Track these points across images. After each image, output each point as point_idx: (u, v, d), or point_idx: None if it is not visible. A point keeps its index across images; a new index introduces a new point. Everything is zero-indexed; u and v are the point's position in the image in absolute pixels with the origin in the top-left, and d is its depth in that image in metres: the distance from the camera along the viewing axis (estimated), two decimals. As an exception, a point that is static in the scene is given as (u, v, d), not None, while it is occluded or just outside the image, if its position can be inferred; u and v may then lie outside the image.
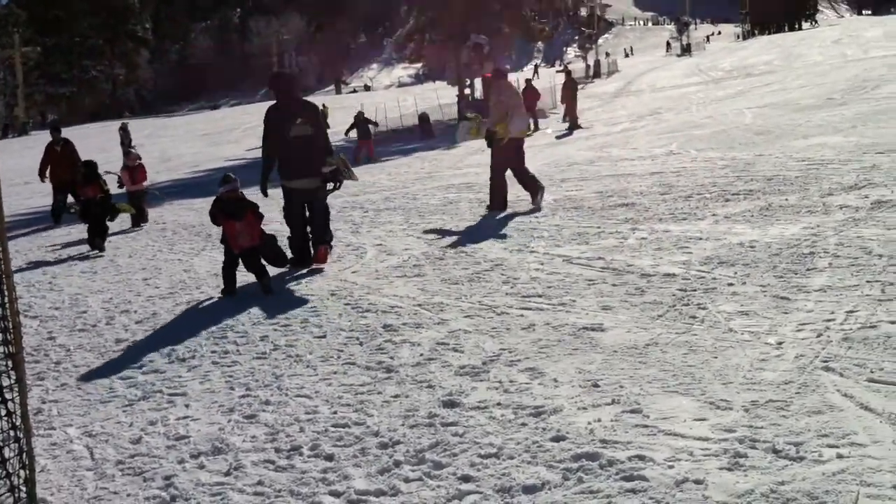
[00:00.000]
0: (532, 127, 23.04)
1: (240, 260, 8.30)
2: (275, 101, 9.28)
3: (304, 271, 8.90)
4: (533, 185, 11.70)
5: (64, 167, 15.56)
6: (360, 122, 26.43)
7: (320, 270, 8.82)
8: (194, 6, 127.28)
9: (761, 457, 3.71)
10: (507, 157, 11.74)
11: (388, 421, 4.63)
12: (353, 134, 26.24)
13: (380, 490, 3.83)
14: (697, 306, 6.14)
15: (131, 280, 9.61)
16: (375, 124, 27.99)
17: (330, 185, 9.25)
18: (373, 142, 26.43)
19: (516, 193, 11.85)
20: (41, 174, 16.16)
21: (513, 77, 21.39)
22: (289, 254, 9.23)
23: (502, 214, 11.23)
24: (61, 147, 16.11)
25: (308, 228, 9.30)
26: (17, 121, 79.47)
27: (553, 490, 3.64)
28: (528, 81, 26.11)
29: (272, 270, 8.52)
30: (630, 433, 4.10)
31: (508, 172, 11.79)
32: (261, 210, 8.45)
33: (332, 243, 9.54)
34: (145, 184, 15.13)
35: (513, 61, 68.32)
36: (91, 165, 12.98)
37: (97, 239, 12.09)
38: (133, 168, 14.77)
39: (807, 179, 10.78)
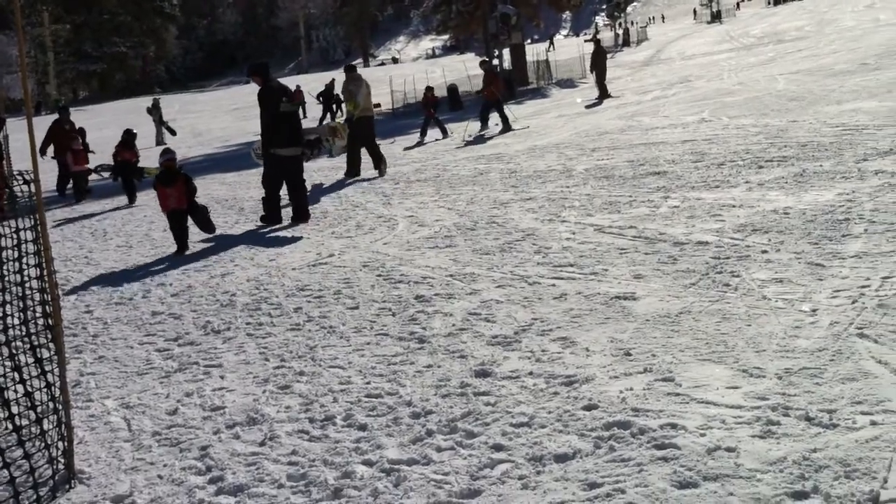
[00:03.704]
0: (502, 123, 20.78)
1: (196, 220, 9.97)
2: (261, 87, 10.84)
3: (336, 247, 8.96)
4: (377, 159, 14.66)
5: (68, 146, 16.64)
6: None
7: (304, 231, 8.88)
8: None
9: (794, 424, 3.69)
10: (360, 133, 14.75)
11: (420, 391, 4.66)
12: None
13: (412, 459, 3.86)
14: (731, 274, 6.10)
15: (166, 254, 9.70)
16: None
17: (308, 153, 11.36)
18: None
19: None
20: (43, 151, 16.64)
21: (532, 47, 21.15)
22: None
23: (536, 187, 11.20)
24: (69, 127, 17.40)
25: (284, 192, 10.89)
26: (50, 98, 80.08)
27: (584, 458, 3.65)
28: (484, 65, 23.25)
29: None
30: (662, 401, 4.10)
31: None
32: (196, 184, 10.14)
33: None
34: (87, 166, 16.91)
35: (541, 31, 67.67)
36: (130, 133, 15.91)
37: (132, 194, 15.05)
38: (76, 151, 16.33)
39: (841, 145, 10.64)
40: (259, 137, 11.19)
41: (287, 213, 10.93)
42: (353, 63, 17.74)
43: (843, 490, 3.14)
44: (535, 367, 4.78)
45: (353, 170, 14.74)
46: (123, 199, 15.23)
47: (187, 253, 9.62)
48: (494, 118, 21.45)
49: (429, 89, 23.36)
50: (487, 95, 21.42)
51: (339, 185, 13.80)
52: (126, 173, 15.22)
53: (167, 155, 10.06)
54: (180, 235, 9.72)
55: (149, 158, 17.83)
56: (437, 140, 20.23)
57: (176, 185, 9.75)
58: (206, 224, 10.26)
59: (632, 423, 3.88)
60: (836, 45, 30.82)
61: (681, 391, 4.19)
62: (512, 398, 4.38)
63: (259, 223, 10.88)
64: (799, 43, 36.30)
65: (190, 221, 9.99)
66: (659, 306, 5.60)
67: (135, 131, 16.34)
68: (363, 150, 14.81)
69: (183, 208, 9.78)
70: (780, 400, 3.94)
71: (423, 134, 21.02)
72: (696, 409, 3.96)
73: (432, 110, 21.79)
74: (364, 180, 14.04)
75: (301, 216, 10.70)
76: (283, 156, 10.65)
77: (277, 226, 10.67)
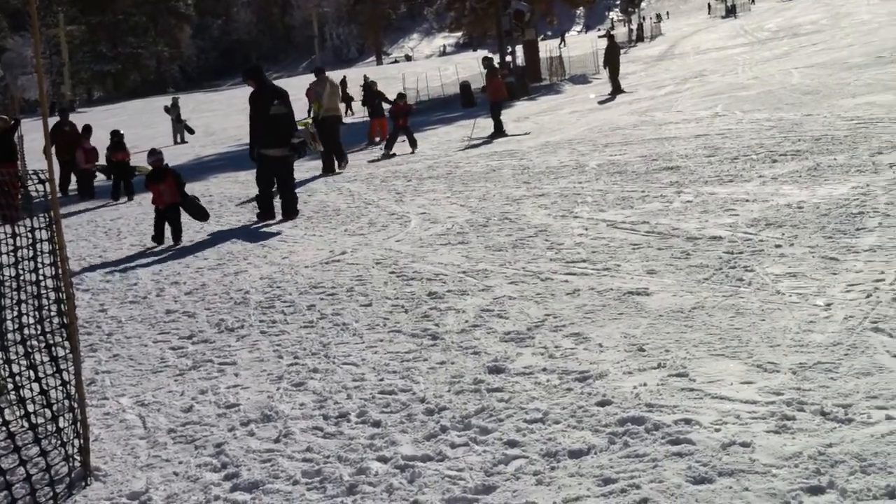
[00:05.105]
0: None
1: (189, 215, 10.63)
2: (253, 89, 11.33)
3: (346, 245, 8.97)
4: (339, 156, 15.95)
5: (67, 147, 17.37)
6: (372, 94, 22.88)
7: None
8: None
9: (809, 419, 3.68)
10: (324, 131, 16.00)
11: (434, 387, 4.66)
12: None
13: (426, 455, 3.86)
14: (744, 269, 6.08)
15: (180, 252, 9.74)
16: (387, 101, 21.77)
17: (296, 154, 11.76)
18: (386, 120, 21.62)
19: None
20: (46, 152, 16.79)
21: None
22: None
23: (546, 184, 11.19)
24: (70, 129, 18.09)
25: (274, 188, 11.50)
26: (65, 98, 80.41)
27: (599, 454, 3.65)
28: (485, 61, 21.38)
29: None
30: (676, 397, 4.09)
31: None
32: (184, 178, 10.94)
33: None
34: (97, 164, 17.56)
35: (554, 27, 67.49)
36: (119, 134, 16.78)
37: (124, 192, 15.97)
38: (88, 150, 17.13)
39: (856, 138, 10.59)
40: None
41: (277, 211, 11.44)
42: (321, 66, 18.95)
43: (858, 485, 3.12)
44: (548, 364, 4.78)
45: (326, 167, 15.93)
46: (138, 199, 15.38)
47: (181, 244, 10.27)
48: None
49: (400, 97, 20.43)
50: (489, 96, 20.41)
51: (349, 183, 13.82)
52: (120, 173, 16.22)
53: (155, 156, 10.77)
54: (166, 229, 10.40)
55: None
56: (405, 154, 17.86)
57: (166, 181, 10.46)
58: (199, 212, 10.75)
59: (646, 418, 3.87)
60: (851, 38, 30.66)
61: (695, 386, 4.18)
62: (526, 394, 4.38)
63: (255, 219, 11.37)
64: (814, 37, 36.11)
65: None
66: (672, 301, 5.58)
67: (122, 131, 17.36)
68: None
69: (177, 201, 10.45)
70: (795, 395, 3.92)
71: (390, 146, 18.48)
72: (710, 405, 3.95)
73: (402, 121, 18.88)
74: (376, 178, 14.06)
75: (289, 213, 11.18)
76: (272, 156, 11.14)
77: (272, 221, 11.11)
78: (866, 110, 12.82)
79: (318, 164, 16.63)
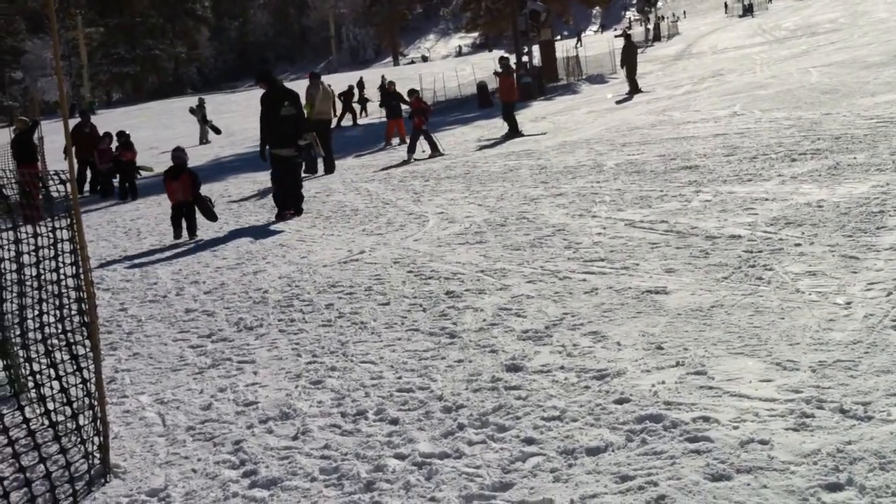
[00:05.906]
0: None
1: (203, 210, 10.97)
2: (265, 91, 11.68)
3: (365, 242, 8.99)
4: (329, 162, 16.43)
5: (88, 147, 17.88)
6: (389, 95, 22.37)
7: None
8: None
9: (828, 417, 3.66)
10: (319, 135, 15.64)
11: (451, 385, 4.67)
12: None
13: (444, 453, 3.87)
14: (764, 267, 6.05)
15: (199, 251, 9.79)
16: (405, 101, 20.46)
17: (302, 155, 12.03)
18: (403, 121, 20.73)
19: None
20: (67, 152, 17.00)
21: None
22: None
23: (564, 182, 11.17)
24: (90, 130, 18.64)
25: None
26: (84, 101, 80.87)
27: (616, 452, 3.64)
28: (501, 61, 20.50)
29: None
30: (694, 395, 4.08)
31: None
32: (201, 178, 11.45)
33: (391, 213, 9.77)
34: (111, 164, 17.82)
35: (570, 27, 67.44)
36: (125, 135, 17.53)
37: (129, 192, 16.59)
38: (102, 150, 17.63)
39: (875, 137, 10.52)
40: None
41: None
42: (317, 71, 19.70)
43: (877, 482, 3.11)
44: (566, 362, 4.77)
45: (327, 168, 16.59)
46: (156, 199, 15.38)
47: (192, 240, 10.68)
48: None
49: (412, 93, 18.70)
50: (500, 96, 20.05)
51: (367, 183, 13.85)
52: (127, 172, 16.93)
53: (177, 153, 11.23)
54: (183, 223, 10.79)
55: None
56: (424, 158, 16.89)
57: (181, 179, 10.89)
58: (209, 213, 11.09)
59: (664, 416, 3.86)
60: (869, 36, 30.45)
61: (713, 384, 4.16)
62: (543, 392, 4.38)
63: (273, 219, 11.54)
64: (832, 35, 35.88)
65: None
66: (691, 300, 5.56)
67: (128, 132, 18.13)
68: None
69: (188, 199, 10.84)
70: (814, 393, 3.90)
71: (412, 150, 17.13)
72: (728, 403, 3.93)
73: (418, 119, 17.39)
74: (394, 178, 14.09)
75: (296, 210, 11.57)
76: (282, 155, 11.46)
77: (291, 221, 11.19)
78: (886, 109, 12.74)
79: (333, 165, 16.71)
